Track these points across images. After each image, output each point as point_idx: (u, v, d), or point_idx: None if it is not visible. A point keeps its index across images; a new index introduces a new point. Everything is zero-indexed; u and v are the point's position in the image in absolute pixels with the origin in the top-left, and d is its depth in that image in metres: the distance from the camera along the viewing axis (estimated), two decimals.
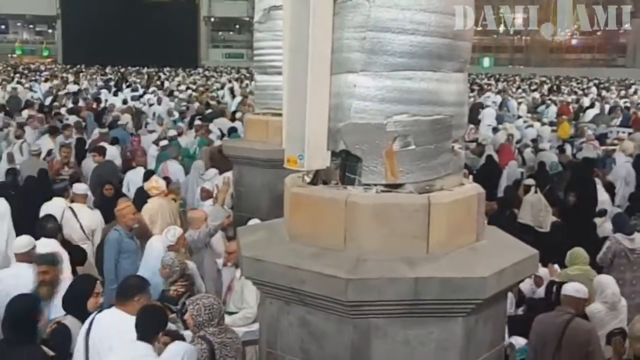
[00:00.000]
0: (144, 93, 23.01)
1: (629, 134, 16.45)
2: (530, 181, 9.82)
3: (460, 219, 3.09)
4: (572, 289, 5.12)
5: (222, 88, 27.07)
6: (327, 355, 2.90)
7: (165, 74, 36.83)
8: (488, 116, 19.53)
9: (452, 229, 3.04)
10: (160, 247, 5.58)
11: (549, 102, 24.28)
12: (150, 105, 19.00)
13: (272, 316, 3.11)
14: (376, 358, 2.83)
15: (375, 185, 3.03)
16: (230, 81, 30.74)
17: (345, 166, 3.12)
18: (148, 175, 8.52)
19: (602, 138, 16.44)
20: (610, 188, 10.46)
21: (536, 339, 4.96)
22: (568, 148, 14.69)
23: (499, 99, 25.25)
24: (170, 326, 4.46)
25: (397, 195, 2.99)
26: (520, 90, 31.47)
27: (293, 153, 3.09)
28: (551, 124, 18.62)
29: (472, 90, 27.61)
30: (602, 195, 9.91)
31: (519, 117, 20.48)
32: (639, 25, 54.61)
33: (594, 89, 33.13)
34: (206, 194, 7.89)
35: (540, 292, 6.49)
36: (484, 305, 2.91)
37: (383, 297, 2.76)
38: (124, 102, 19.12)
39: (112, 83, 28.01)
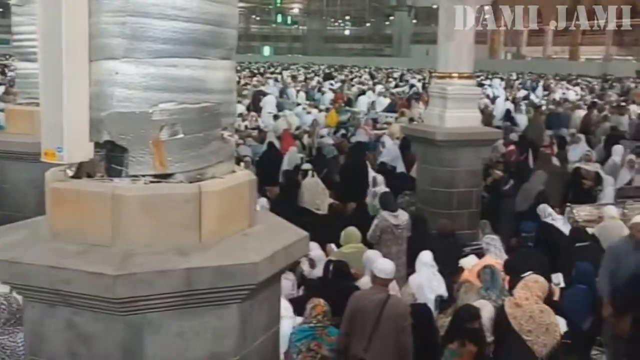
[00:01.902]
0: None
1: (396, 118, 17.84)
2: (308, 166, 10.24)
3: (232, 206, 3.10)
4: (380, 271, 5.36)
5: None
6: (97, 357, 2.75)
7: None
8: (269, 104, 20.03)
9: (225, 217, 3.04)
10: None
11: (324, 90, 25.45)
12: None
13: (35, 321, 2.88)
14: (150, 354, 2.75)
15: (144, 176, 2.92)
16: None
17: (111, 157, 2.97)
18: None
19: (373, 123, 17.63)
20: (380, 169, 11.24)
21: (353, 314, 5.18)
22: (343, 133, 15.53)
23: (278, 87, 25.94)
24: None
25: (166, 186, 2.91)
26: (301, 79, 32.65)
27: (51, 145, 2.88)
28: (327, 110, 19.58)
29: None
30: (374, 176, 10.62)
31: (298, 104, 21.24)
32: (402, 17, 59.36)
33: (366, 77, 35.29)
34: None
35: (318, 272, 6.80)
36: (258, 290, 2.95)
37: (155, 291, 2.68)
38: None
39: None
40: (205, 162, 3.07)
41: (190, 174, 3.01)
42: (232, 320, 2.89)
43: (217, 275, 2.78)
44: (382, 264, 5.33)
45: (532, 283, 5.44)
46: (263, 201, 5.49)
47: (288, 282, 6.65)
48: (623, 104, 21.84)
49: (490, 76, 34.73)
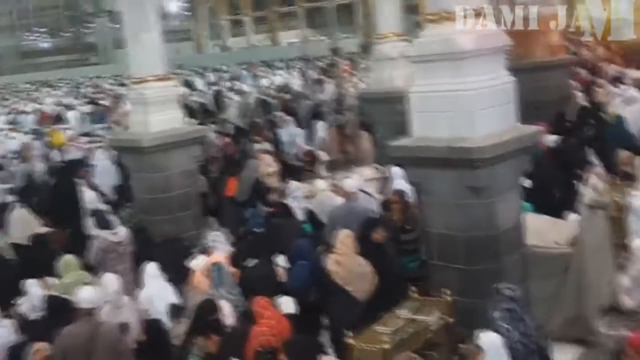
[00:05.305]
0: None
1: (109, 128, 17.18)
2: (10, 198, 9.40)
3: None
4: (81, 300, 5.15)
5: None
6: None
7: None
8: None
9: None
10: None
11: (27, 110, 23.64)
12: None
13: None
14: None
15: None
16: None
17: None
18: None
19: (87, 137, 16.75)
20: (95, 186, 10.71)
21: (63, 356, 4.93)
22: (55, 154, 14.56)
23: None
24: None
25: None
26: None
27: None
28: (35, 131, 18.12)
29: None
30: (89, 195, 10.08)
31: None
32: (103, 23, 57.34)
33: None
34: None
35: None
36: None
37: None
38: None
39: None
40: None
41: None
42: None
43: None
44: (82, 294, 5.09)
45: (345, 238, 6.07)
46: None
47: (3, 330, 6.05)
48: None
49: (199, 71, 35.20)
